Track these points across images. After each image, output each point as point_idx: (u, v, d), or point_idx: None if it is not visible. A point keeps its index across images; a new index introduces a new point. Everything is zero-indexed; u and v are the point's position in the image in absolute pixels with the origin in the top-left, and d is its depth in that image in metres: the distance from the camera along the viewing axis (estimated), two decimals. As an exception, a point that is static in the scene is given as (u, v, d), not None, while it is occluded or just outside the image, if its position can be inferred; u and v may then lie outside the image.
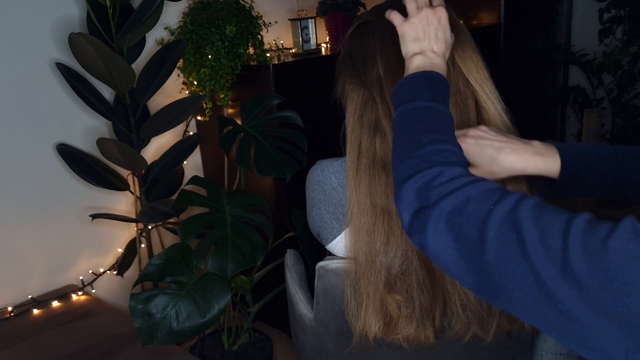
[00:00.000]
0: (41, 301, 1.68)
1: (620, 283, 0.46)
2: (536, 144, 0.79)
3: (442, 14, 0.84)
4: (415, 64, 0.81)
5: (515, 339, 0.98)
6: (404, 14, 0.86)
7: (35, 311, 1.64)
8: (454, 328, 0.89)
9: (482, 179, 0.60)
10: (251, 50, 1.88)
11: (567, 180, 0.77)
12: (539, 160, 0.77)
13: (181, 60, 1.80)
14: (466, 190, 0.58)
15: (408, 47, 0.83)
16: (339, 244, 0.97)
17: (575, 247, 0.49)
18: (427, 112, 0.72)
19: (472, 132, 0.80)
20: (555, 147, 0.80)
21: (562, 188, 0.78)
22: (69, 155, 1.68)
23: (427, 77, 0.78)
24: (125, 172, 1.77)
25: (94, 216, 1.65)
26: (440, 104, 0.73)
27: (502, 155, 0.76)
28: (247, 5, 1.85)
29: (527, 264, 0.51)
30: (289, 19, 2.09)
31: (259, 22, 1.85)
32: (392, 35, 0.87)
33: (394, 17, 0.87)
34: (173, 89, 1.94)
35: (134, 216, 1.78)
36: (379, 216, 0.87)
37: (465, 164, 0.66)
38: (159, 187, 1.84)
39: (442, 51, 0.83)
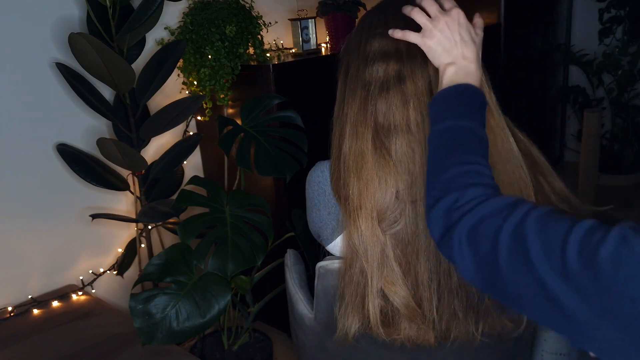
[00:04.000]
0: (41, 301, 1.68)
1: (612, 288, 0.50)
2: None
3: (459, 15, 0.82)
4: (448, 77, 0.80)
5: (515, 339, 0.98)
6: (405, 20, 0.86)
7: (35, 311, 1.64)
8: (454, 329, 0.89)
9: (496, 196, 0.65)
10: (251, 50, 1.88)
11: None
12: None
13: (181, 60, 1.80)
14: (481, 209, 0.63)
15: (438, 60, 0.82)
16: (338, 245, 0.97)
17: (573, 256, 0.53)
18: (453, 132, 0.73)
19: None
20: None
21: None
22: (69, 155, 1.68)
23: (458, 91, 0.77)
24: (125, 172, 1.77)
25: (94, 216, 1.65)
26: (469, 121, 0.74)
27: None
28: (247, 5, 1.85)
29: (532, 273, 0.55)
30: (289, 19, 2.09)
31: (259, 22, 1.85)
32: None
33: (410, 36, 0.84)
34: (173, 89, 1.94)
35: (134, 216, 1.78)
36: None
37: (486, 179, 0.69)
38: (159, 187, 1.84)
39: (474, 54, 0.81)
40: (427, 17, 0.84)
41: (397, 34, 0.85)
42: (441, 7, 0.84)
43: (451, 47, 0.81)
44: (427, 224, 0.70)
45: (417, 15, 0.84)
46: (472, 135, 0.73)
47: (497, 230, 0.60)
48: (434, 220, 0.68)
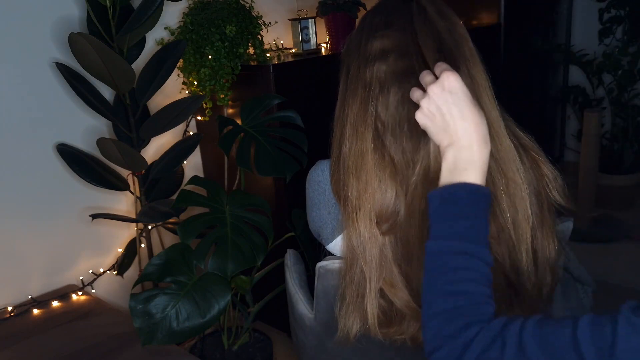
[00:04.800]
0: (41, 301, 1.68)
1: None
2: None
3: (449, 81, 0.71)
4: (447, 164, 0.72)
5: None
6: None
7: (35, 311, 1.64)
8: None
9: (482, 329, 0.61)
10: (251, 50, 1.88)
11: None
12: None
13: (181, 60, 1.80)
14: (473, 348, 0.60)
15: (436, 139, 0.74)
16: (338, 244, 0.97)
17: (592, 357, 0.52)
18: (452, 258, 0.67)
19: None
20: None
21: None
22: (69, 155, 1.68)
23: (457, 196, 0.69)
24: (125, 172, 1.77)
25: (94, 216, 1.65)
26: (470, 244, 0.67)
27: None
28: (247, 5, 1.85)
29: None
30: (289, 19, 2.09)
31: (259, 22, 1.85)
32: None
33: (418, 114, 0.76)
34: (173, 89, 1.94)
35: (134, 216, 1.78)
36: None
37: (479, 314, 0.64)
38: (159, 187, 1.84)
39: (474, 127, 0.71)
40: (423, 90, 0.76)
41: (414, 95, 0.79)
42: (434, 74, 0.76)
43: (446, 125, 0.71)
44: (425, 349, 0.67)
45: (413, 92, 0.78)
46: (470, 266, 0.66)
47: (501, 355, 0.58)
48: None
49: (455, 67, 0.80)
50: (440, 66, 0.75)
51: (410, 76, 0.84)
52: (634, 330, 0.51)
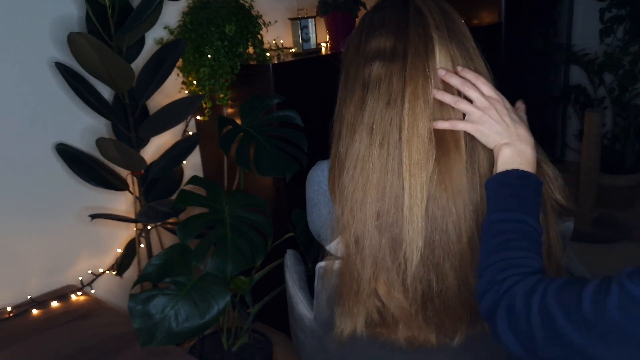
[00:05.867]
0: (40, 301, 1.68)
1: (623, 328, 0.58)
2: None
3: (504, 99, 0.84)
4: (504, 159, 0.81)
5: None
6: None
7: (35, 311, 1.63)
8: (455, 330, 0.89)
9: (523, 278, 0.72)
10: (251, 50, 1.88)
11: None
12: None
13: (180, 60, 1.79)
14: (512, 293, 0.71)
15: (493, 140, 0.83)
16: (338, 245, 0.96)
17: (588, 309, 0.62)
18: (505, 226, 0.77)
19: None
20: None
21: None
22: (69, 155, 1.68)
23: (514, 179, 0.80)
24: (124, 172, 1.77)
25: (93, 216, 1.64)
26: (521, 214, 0.77)
27: None
28: (246, 4, 1.84)
29: (564, 338, 0.63)
30: (288, 19, 2.09)
31: (259, 21, 1.85)
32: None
33: (459, 125, 0.84)
34: (172, 88, 1.93)
35: (133, 216, 1.78)
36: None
37: (526, 268, 0.74)
38: (158, 187, 1.83)
39: (527, 133, 0.83)
40: (470, 102, 0.84)
41: (444, 124, 0.84)
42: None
43: (504, 129, 0.82)
44: (480, 312, 0.77)
45: (461, 105, 0.84)
46: (522, 230, 0.77)
47: (528, 309, 0.68)
48: (483, 311, 0.75)
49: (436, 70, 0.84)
50: (487, 87, 0.85)
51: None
52: (622, 290, 0.59)
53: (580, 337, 0.62)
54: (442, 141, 0.83)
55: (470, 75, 0.84)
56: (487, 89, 0.84)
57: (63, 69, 1.58)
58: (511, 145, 0.81)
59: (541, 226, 0.78)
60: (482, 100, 0.83)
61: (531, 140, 0.83)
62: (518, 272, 0.73)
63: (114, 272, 1.87)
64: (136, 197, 1.80)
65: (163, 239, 1.96)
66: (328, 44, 2.18)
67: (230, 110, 1.94)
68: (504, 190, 0.79)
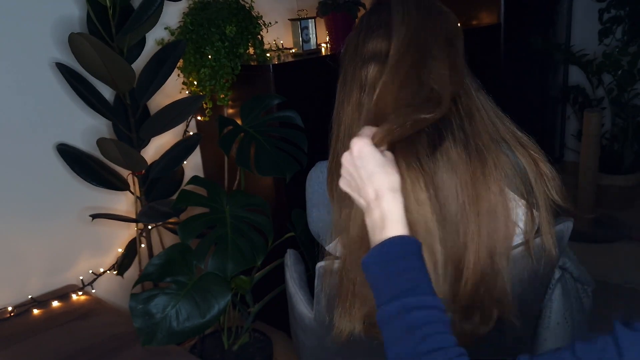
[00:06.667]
0: (41, 301, 1.68)
1: None
2: None
3: (357, 148, 0.73)
4: (369, 226, 0.73)
5: (515, 339, 0.98)
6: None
7: (35, 311, 1.64)
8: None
9: None
10: (251, 50, 1.88)
11: None
12: None
13: (181, 60, 1.80)
14: None
15: (358, 203, 0.76)
16: (338, 245, 0.97)
17: None
18: (402, 319, 0.66)
19: None
20: None
21: None
22: (69, 155, 1.68)
23: (385, 256, 0.69)
24: (125, 172, 1.77)
25: (94, 216, 1.65)
26: (411, 295, 0.66)
27: None
28: (247, 5, 1.85)
29: None
30: (289, 19, 2.09)
31: (259, 22, 1.85)
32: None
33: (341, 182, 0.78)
34: (173, 89, 1.94)
35: (134, 216, 1.78)
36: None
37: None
38: (159, 187, 1.84)
39: (384, 181, 0.72)
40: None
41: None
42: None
43: (359, 188, 0.74)
44: None
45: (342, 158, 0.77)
46: (420, 317, 0.65)
47: None
48: None
49: (430, 70, 0.81)
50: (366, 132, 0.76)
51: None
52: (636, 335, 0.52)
53: None
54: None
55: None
56: (356, 147, 0.74)
57: (64, 69, 1.59)
58: (370, 209, 0.73)
59: (437, 298, 0.67)
60: (347, 158, 0.75)
61: (387, 190, 0.71)
62: None
63: (115, 272, 1.87)
64: (137, 197, 1.80)
65: (164, 238, 1.96)
66: (328, 45, 2.19)
67: (230, 111, 1.95)
68: (380, 273, 0.69)
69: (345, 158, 0.75)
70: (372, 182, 0.72)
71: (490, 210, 0.84)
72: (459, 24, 0.91)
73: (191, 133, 2.04)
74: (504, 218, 0.85)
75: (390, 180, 0.72)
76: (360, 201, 0.75)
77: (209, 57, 1.74)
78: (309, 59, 1.96)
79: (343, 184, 0.77)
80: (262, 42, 1.87)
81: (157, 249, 1.89)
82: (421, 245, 0.71)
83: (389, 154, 0.76)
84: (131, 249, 1.86)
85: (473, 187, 0.83)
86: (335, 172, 0.91)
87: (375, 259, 0.70)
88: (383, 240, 0.70)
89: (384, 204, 0.71)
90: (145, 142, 1.76)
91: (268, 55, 1.92)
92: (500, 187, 0.84)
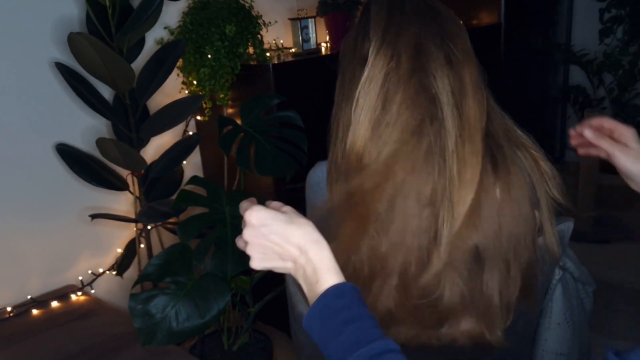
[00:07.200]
0: (41, 301, 1.68)
1: None
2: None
3: (254, 218, 0.70)
4: (303, 285, 0.70)
5: (515, 339, 0.97)
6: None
7: (35, 311, 1.64)
8: (455, 330, 0.89)
9: None
10: (251, 50, 1.88)
11: None
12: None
13: (181, 60, 1.79)
14: None
15: (284, 270, 0.72)
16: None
17: None
18: None
19: None
20: None
21: None
22: (69, 155, 1.68)
23: (327, 310, 0.66)
24: (124, 172, 1.77)
25: (94, 216, 1.64)
26: (361, 347, 0.63)
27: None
28: (246, 4, 1.85)
29: None
30: (288, 19, 2.09)
31: (259, 21, 1.85)
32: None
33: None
34: (173, 88, 1.94)
35: (133, 216, 1.78)
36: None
37: None
38: (158, 187, 1.83)
39: (301, 240, 0.68)
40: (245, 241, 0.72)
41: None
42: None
43: (280, 253, 0.69)
44: None
45: (238, 242, 0.74)
46: None
47: None
48: None
49: (425, 70, 0.81)
50: (245, 204, 0.73)
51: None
52: None
53: None
54: None
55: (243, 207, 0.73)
56: (253, 218, 0.70)
57: (63, 69, 1.59)
58: (295, 266, 0.69)
59: (391, 340, 0.65)
60: (250, 233, 0.70)
61: (308, 244, 0.68)
62: None
63: (114, 272, 1.87)
64: (136, 197, 1.80)
65: (163, 239, 1.96)
66: (328, 44, 2.19)
67: (230, 111, 1.95)
68: (330, 325, 0.65)
69: (250, 234, 0.70)
70: (290, 241, 0.68)
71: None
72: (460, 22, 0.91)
73: (191, 133, 2.03)
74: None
75: (306, 231, 0.69)
76: (287, 265, 0.70)
77: (209, 56, 1.73)
78: (308, 58, 1.95)
79: (258, 262, 0.70)
80: (262, 42, 1.87)
81: (156, 249, 1.89)
82: (359, 290, 0.68)
83: (287, 207, 0.72)
84: (131, 249, 1.86)
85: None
86: (334, 173, 0.91)
87: (315, 318, 0.67)
88: (319, 295, 0.67)
89: (310, 255, 0.68)
90: (144, 142, 1.76)
91: (268, 55, 1.92)
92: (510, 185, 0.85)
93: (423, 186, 0.82)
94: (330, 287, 0.67)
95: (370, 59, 0.86)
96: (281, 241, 0.69)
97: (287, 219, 0.70)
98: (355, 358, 0.62)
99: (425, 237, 0.82)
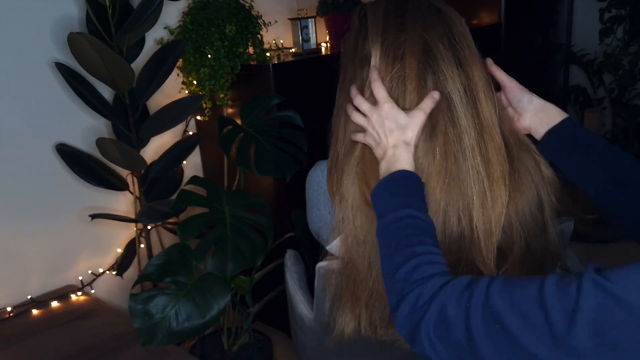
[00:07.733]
0: (40, 301, 1.68)
1: (607, 337, 0.50)
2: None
3: (384, 109, 0.83)
4: (383, 169, 0.83)
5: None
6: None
7: (35, 311, 1.63)
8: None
9: (450, 282, 0.64)
10: (251, 50, 1.88)
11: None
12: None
13: (181, 60, 1.79)
14: (441, 298, 0.62)
15: (376, 154, 0.85)
16: (338, 245, 0.96)
17: (558, 318, 0.53)
18: (395, 225, 0.75)
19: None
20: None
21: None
22: (69, 155, 1.68)
23: (389, 181, 0.80)
24: (124, 172, 1.77)
25: (94, 216, 1.64)
26: (406, 208, 0.75)
27: None
28: (246, 4, 1.84)
29: (520, 350, 0.55)
30: (288, 19, 2.09)
31: (259, 21, 1.85)
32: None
33: (359, 136, 0.88)
34: (173, 88, 1.93)
35: (133, 216, 1.78)
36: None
37: (437, 267, 0.68)
38: (158, 187, 1.83)
39: (398, 139, 0.82)
40: (363, 115, 0.86)
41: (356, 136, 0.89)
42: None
43: (380, 141, 0.84)
44: (395, 326, 0.68)
45: (356, 117, 0.87)
46: (413, 224, 0.74)
47: (466, 316, 0.59)
48: (399, 323, 0.67)
49: (435, 71, 0.83)
50: (377, 90, 0.84)
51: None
52: (597, 288, 0.52)
53: (544, 349, 0.53)
54: None
55: (352, 91, 0.88)
56: (363, 103, 0.86)
57: (63, 69, 1.59)
58: (385, 156, 0.83)
59: (430, 219, 0.76)
60: (367, 112, 0.85)
61: (400, 142, 0.82)
62: (433, 272, 0.66)
63: (114, 272, 1.87)
64: (136, 197, 1.80)
65: (163, 239, 1.96)
66: (328, 44, 2.18)
67: (230, 111, 1.95)
68: (386, 192, 0.79)
69: (374, 117, 0.84)
70: (392, 135, 0.82)
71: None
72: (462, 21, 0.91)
73: (191, 133, 2.03)
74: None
75: (407, 137, 0.82)
76: (378, 150, 0.84)
77: (209, 56, 1.73)
78: (308, 58, 1.95)
79: (367, 136, 0.86)
80: (261, 42, 1.87)
81: (156, 249, 1.89)
82: (423, 183, 0.80)
83: (416, 112, 0.82)
84: (130, 249, 1.85)
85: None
86: (335, 172, 0.91)
87: (382, 184, 0.80)
88: (390, 172, 0.80)
89: (398, 151, 0.82)
90: (144, 142, 1.76)
91: (268, 54, 1.92)
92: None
93: (446, 189, 0.83)
94: (401, 169, 0.80)
95: (373, 60, 0.86)
96: (392, 129, 0.83)
97: (403, 124, 0.83)
98: (396, 216, 0.75)
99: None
